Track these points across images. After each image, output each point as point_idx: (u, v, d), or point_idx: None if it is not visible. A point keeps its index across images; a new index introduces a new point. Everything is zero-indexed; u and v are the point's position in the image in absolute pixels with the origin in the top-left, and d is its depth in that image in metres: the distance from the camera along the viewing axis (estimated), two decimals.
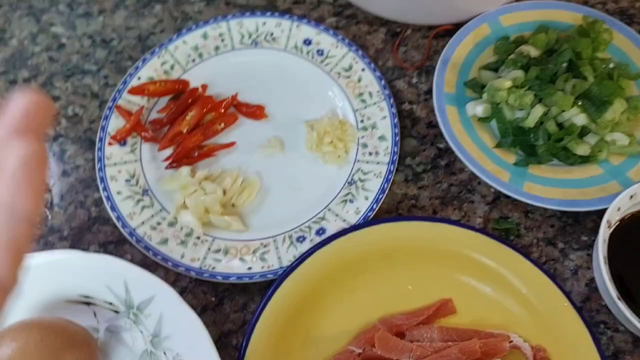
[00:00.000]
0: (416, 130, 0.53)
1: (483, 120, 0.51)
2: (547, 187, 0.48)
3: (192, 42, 0.55)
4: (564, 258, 0.48)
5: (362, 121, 0.51)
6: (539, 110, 0.48)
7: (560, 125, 0.49)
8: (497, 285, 0.45)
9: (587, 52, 0.51)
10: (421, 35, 0.58)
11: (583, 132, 0.50)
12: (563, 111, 0.48)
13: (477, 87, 0.52)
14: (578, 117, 0.48)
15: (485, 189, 0.50)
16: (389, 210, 0.50)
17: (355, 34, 0.58)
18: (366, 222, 0.46)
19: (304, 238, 0.46)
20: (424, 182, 0.51)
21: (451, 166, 0.51)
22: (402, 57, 0.57)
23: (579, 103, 0.48)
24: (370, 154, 0.50)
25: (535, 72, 0.49)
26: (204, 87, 0.53)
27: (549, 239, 0.48)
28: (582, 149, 0.48)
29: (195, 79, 0.54)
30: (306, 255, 0.44)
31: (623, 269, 0.44)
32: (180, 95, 0.53)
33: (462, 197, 0.50)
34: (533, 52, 0.51)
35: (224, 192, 0.47)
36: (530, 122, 0.49)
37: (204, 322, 0.40)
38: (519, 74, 0.50)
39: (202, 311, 0.46)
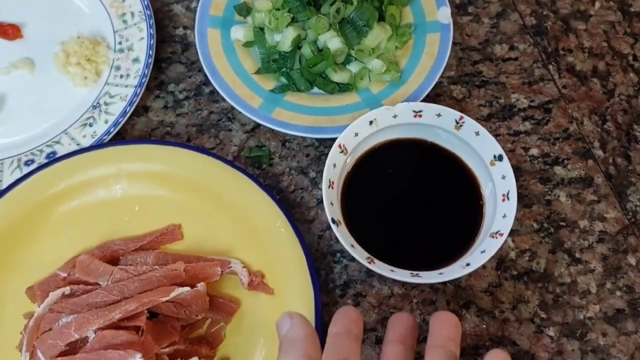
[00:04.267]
0: (186, 56, 0.50)
1: (246, 45, 0.48)
2: (296, 114, 0.46)
3: None
4: (314, 187, 0.46)
5: (120, 43, 0.48)
6: (292, 33, 0.46)
7: (321, 51, 0.47)
8: (226, 211, 0.43)
9: None
10: None
11: (347, 60, 0.48)
12: (320, 35, 0.46)
13: (245, 10, 0.49)
14: (333, 41, 0.46)
15: (246, 118, 0.48)
16: (139, 137, 0.47)
17: None
18: (95, 145, 0.43)
19: (33, 161, 0.44)
20: (184, 110, 0.48)
21: (215, 94, 0.49)
22: None
23: (337, 26, 0.46)
24: (122, 76, 0.47)
25: None
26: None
27: (302, 167, 0.46)
28: (339, 76, 0.46)
29: None
30: (24, 177, 0.42)
31: (353, 199, 0.42)
32: None
33: (220, 125, 0.48)
34: None
35: None
36: (285, 46, 0.46)
37: None
38: None
39: None
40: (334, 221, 0.39)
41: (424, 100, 0.46)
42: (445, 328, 0.28)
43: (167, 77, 0.49)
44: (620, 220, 0.44)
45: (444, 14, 0.49)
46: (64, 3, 0.51)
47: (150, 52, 0.47)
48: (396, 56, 0.48)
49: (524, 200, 0.45)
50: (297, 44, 0.47)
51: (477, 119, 0.46)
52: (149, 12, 0.49)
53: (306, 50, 0.46)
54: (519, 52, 0.50)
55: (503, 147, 0.42)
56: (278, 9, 0.47)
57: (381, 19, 0.48)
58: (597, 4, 0.53)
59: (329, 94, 0.47)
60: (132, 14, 0.49)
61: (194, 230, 0.43)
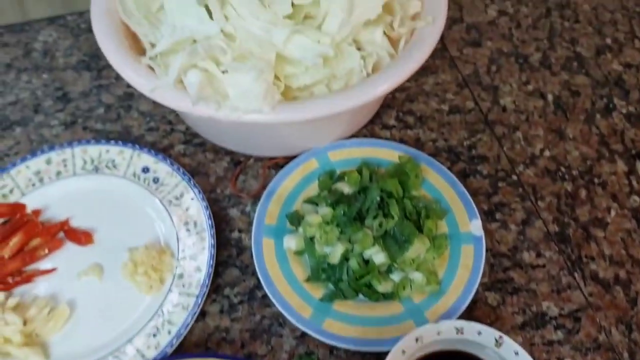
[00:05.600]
0: (241, 260, 0.55)
1: (297, 253, 0.53)
2: (346, 325, 0.49)
3: (35, 167, 0.58)
4: None
5: (182, 250, 0.53)
6: (340, 247, 0.51)
7: (367, 262, 0.52)
8: None
9: (396, 191, 0.54)
10: (262, 165, 0.61)
11: (389, 269, 0.52)
12: (365, 249, 0.51)
13: (296, 220, 0.55)
14: (377, 256, 0.51)
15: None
16: (198, 343, 0.50)
17: (201, 161, 0.61)
18: None
19: None
20: (238, 314, 0.52)
21: (267, 298, 0.53)
22: (241, 185, 0.60)
23: (381, 241, 0.51)
24: (184, 285, 0.51)
25: (343, 209, 0.52)
26: (36, 212, 0.55)
27: None
28: (383, 287, 0.51)
29: (32, 203, 0.56)
30: None
31: None
32: (13, 218, 0.55)
33: (272, 331, 0.51)
34: (346, 189, 0.55)
35: (25, 323, 0.48)
36: (334, 259, 0.51)
37: None
38: (327, 211, 0.52)
39: None
40: None
41: None
42: None
43: (223, 280, 0.54)
44: None
45: (476, 226, 0.54)
46: (134, 209, 0.56)
47: (212, 262, 0.52)
48: (434, 265, 0.53)
49: None
50: (345, 257, 0.51)
51: (512, 328, 0.50)
52: (210, 222, 0.54)
53: (353, 263, 0.51)
54: (545, 260, 0.55)
55: (538, 358, 0.44)
56: (327, 223, 0.52)
57: (418, 229, 0.53)
58: (613, 212, 0.58)
59: (374, 302, 0.51)
60: (195, 223, 0.55)
61: None
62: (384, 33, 0.54)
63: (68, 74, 0.67)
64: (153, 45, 0.50)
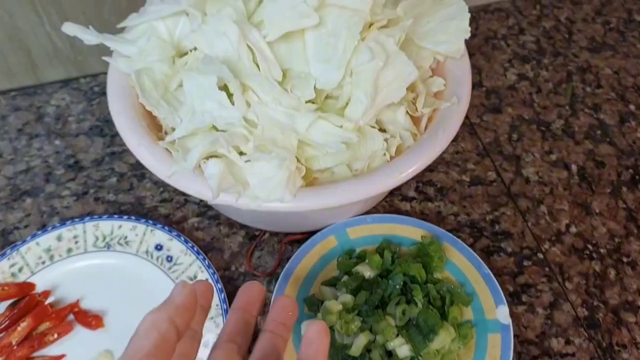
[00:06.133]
0: None
1: None
2: None
3: (45, 244, 0.56)
4: None
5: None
6: (362, 340, 0.48)
7: (390, 353, 0.49)
8: None
9: (419, 275, 0.52)
10: (278, 240, 0.59)
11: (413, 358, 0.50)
12: (389, 340, 0.49)
13: (315, 305, 0.52)
14: (402, 348, 0.48)
15: None
16: None
17: (215, 235, 0.59)
18: None
19: None
20: None
21: None
22: (257, 262, 0.58)
23: (404, 332, 0.49)
24: None
25: (365, 297, 0.50)
26: (45, 294, 0.53)
27: None
28: None
29: (42, 282, 0.54)
30: None
31: None
32: (22, 300, 0.53)
33: None
34: (367, 273, 0.53)
35: None
36: (355, 352, 0.48)
37: None
38: (348, 298, 0.50)
39: None
40: None
41: None
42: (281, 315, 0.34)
43: None
44: None
45: (503, 314, 0.52)
46: (147, 289, 0.54)
47: None
48: (460, 356, 0.50)
49: None
50: (367, 348, 0.49)
51: None
52: (225, 306, 0.52)
53: (376, 355, 0.48)
54: (575, 347, 0.52)
55: None
56: (348, 312, 0.50)
57: (442, 315, 0.51)
58: None
59: None
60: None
61: None
62: (407, 112, 0.52)
63: (80, 140, 0.66)
64: (172, 129, 0.49)
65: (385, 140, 0.50)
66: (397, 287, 0.51)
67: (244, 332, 0.35)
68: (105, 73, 0.53)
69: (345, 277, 0.52)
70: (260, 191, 0.45)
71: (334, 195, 0.47)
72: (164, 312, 0.30)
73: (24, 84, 0.70)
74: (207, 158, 0.46)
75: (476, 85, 0.72)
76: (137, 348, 0.29)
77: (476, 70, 0.73)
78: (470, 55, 0.52)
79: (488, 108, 0.69)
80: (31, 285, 0.54)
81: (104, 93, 0.69)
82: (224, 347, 0.34)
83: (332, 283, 0.54)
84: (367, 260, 0.53)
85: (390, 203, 0.61)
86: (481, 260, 0.54)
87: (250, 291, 0.36)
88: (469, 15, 0.52)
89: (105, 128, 0.67)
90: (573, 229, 0.60)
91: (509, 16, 0.79)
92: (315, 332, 0.31)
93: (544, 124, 0.68)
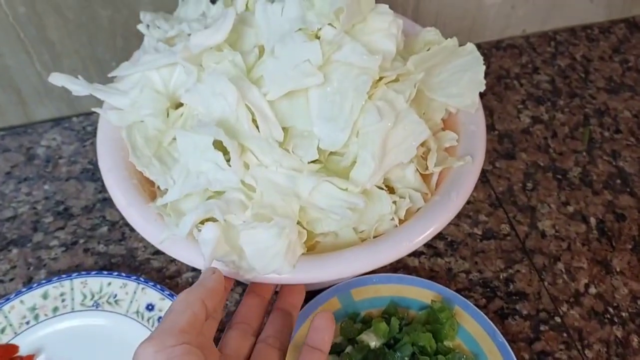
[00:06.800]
0: None
1: None
2: None
3: (30, 302, 0.52)
4: None
5: None
6: None
7: None
8: None
9: (429, 346, 0.48)
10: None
11: None
12: None
13: None
14: None
15: None
16: None
17: None
18: None
19: None
20: None
21: None
22: None
23: None
24: None
25: None
26: (29, 358, 0.50)
27: None
28: None
29: (25, 344, 0.51)
30: None
31: None
32: None
33: None
34: (373, 342, 0.49)
35: None
36: None
37: None
38: None
39: None
40: None
41: None
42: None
43: None
44: None
45: None
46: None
47: None
48: None
49: None
50: None
51: None
52: None
53: None
54: None
55: None
56: None
57: None
58: None
59: None
60: None
61: None
62: (416, 169, 0.49)
63: (71, 185, 0.63)
64: (164, 190, 0.46)
65: (394, 202, 0.47)
66: (406, 359, 0.47)
67: (256, 314, 0.39)
68: None
69: (349, 348, 0.49)
70: (257, 262, 0.41)
71: (338, 266, 0.43)
72: (198, 294, 0.34)
73: (13, 123, 0.67)
74: (202, 222, 0.42)
75: (488, 128, 0.68)
76: (173, 323, 0.32)
77: (488, 111, 0.70)
78: (482, 95, 0.49)
79: (501, 154, 0.66)
80: (14, 348, 0.51)
81: (96, 133, 0.66)
82: (238, 327, 0.38)
83: (336, 351, 0.50)
84: (372, 328, 0.50)
85: (398, 259, 0.58)
86: (495, 328, 0.50)
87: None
88: (484, 67, 0.49)
89: (96, 172, 0.63)
90: (592, 290, 0.56)
91: (522, 53, 0.76)
92: (322, 320, 0.36)
93: (560, 171, 0.65)
